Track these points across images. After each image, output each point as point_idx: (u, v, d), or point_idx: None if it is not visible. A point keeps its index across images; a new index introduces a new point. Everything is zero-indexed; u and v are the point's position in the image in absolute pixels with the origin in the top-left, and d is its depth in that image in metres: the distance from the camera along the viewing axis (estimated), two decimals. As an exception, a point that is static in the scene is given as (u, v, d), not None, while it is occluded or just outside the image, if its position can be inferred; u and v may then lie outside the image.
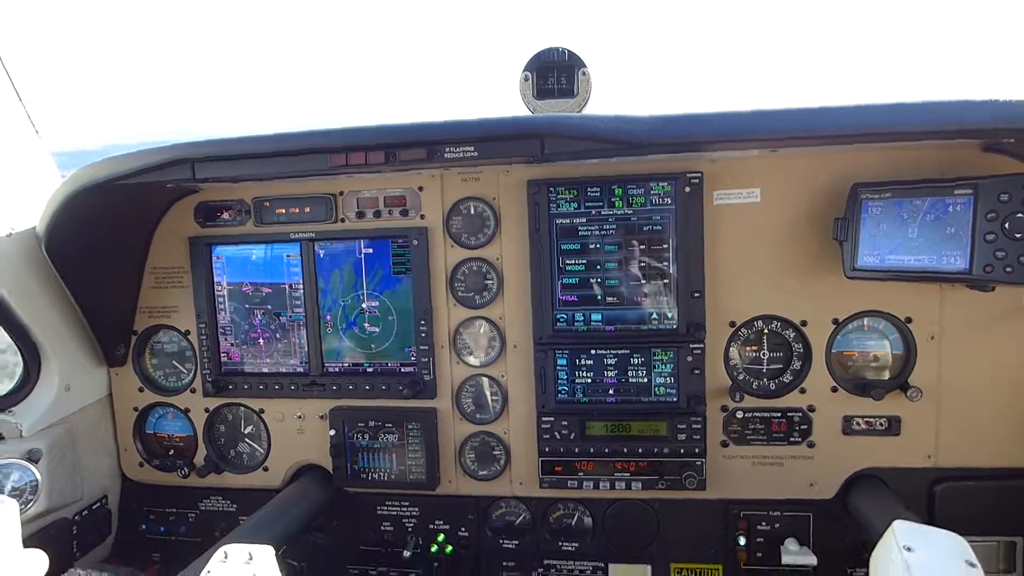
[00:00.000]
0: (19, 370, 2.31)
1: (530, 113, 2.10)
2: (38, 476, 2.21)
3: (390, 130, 1.88)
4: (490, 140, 1.84)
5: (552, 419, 2.23)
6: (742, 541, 2.25)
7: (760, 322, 2.19)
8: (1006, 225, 1.76)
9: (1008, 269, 1.76)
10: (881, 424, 2.15)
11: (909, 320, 2.11)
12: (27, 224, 2.19)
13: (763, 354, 2.21)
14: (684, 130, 1.77)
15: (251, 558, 1.63)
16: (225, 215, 2.40)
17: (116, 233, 2.35)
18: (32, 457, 2.20)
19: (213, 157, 1.98)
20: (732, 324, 2.19)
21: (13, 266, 2.15)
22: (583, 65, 2.03)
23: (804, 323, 2.16)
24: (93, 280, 2.34)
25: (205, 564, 1.60)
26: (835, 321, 2.14)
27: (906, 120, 1.69)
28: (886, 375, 2.18)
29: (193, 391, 2.51)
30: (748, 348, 2.21)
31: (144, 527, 2.63)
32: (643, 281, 2.17)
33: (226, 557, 1.62)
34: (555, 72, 2.05)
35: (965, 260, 1.82)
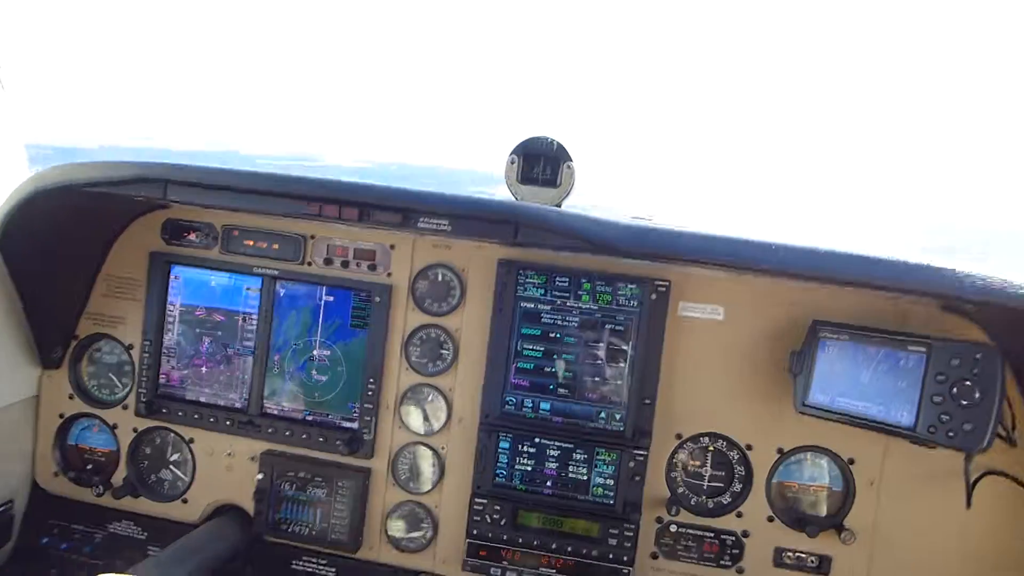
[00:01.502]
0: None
1: (511, 194, 2.11)
2: (-60, 475, 2.09)
3: (368, 190, 1.87)
4: (465, 218, 1.84)
5: (486, 501, 2.17)
6: None
7: (707, 438, 2.18)
8: (954, 390, 1.78)
9: (951, 434, 1.78)
10: (812, 562, 2.13)
11: (852, 461, 2.11)
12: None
13: (705, 471, 2.19)
14: (653, 243, 1.79)
15: None
16: (192, 236, 2.36)
17: (76, 236, 2.29)
18: (-63, 455, 2.09)
19: (187, 182, 1.95)
20: (679, 436, 2.18)
21: None
22: (569, 159, 2.05)
23: (749, 447, 2.15)
24: (43, 278, 2.26)
25: None
26: (780, 451, 2.14)
27: (867, 274, 1.73)
28: (823, 511, 2.16)
29: (125, 407, 2.42)
30: (691, 463, 2.20)
31: (46, 540, 2.49)
32: (598, 378, 2.15)
33: None
34: (541, 161, 2.07)
35: (912, 416, 1.84)
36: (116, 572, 1.66)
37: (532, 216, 1.80)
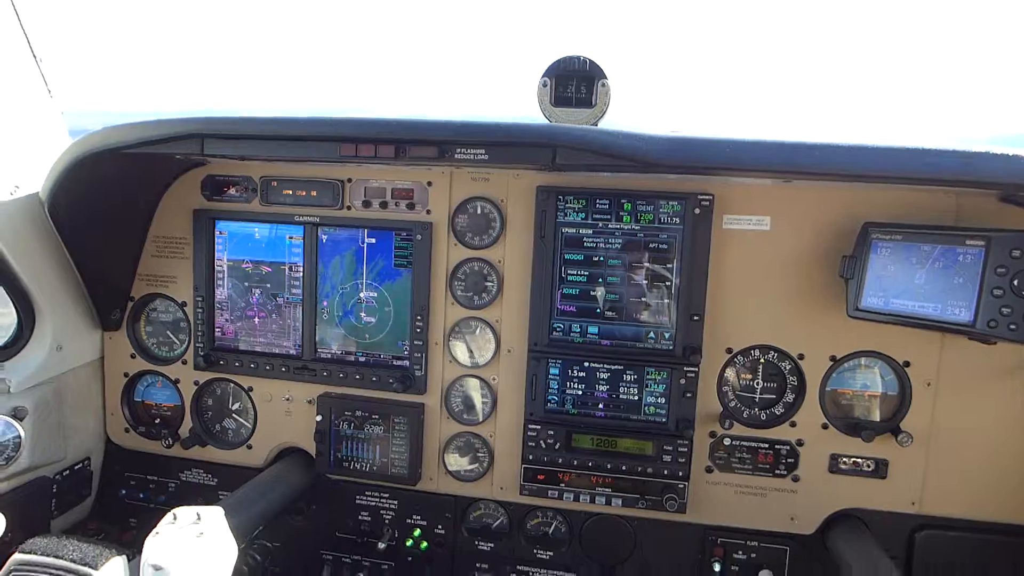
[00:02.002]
0: (13, 326, 2.32)
1: (545, 119, 2.08)
2: (22, 433, 2.21)
3: (402, 125, 1.86)
4: (502, 145, 1.82)
5: (539, 427, 2.22)
6: (717, 568, 2.24)
7: (757, 351, 2.17)
8: (1015, 282, 1.73)
9: (1012, 326, 1.74)
10: (868, 466, 2.13)
11: (907, 364, 2.09)
12: (33, 185, 2.18)
13: (757, 383, 2.19)
14: (696, 154, 1.74)
15: (199, 518, 1.64)
16: (232, 190, 2.39)
17: (121, 199, 2.34)
18: (18, 415, 2.20)
19: (223, 135, 1.96)
20: (729, 350, 2.17)
21: (15, 225, 2.14)
22: (603, 76, 2.00)
23: (801, 356, 2.14)
24: (94, 245, 2.33)
25: None
26: (832, 358, 2.12)
27: (920, 166, 1.66)
28: (878, 416, 2.16)
29: (184, 363, 2.51)
30: (743, 376, 2.20)
31: (124, 492, 2.63)
32: (644, 299, 2.15)
33: (175, 519, 1.64)
34: (575, 81, 2.02)
35: (970, 312, 1.80)
36: None
37: (570, 137, 1.77)
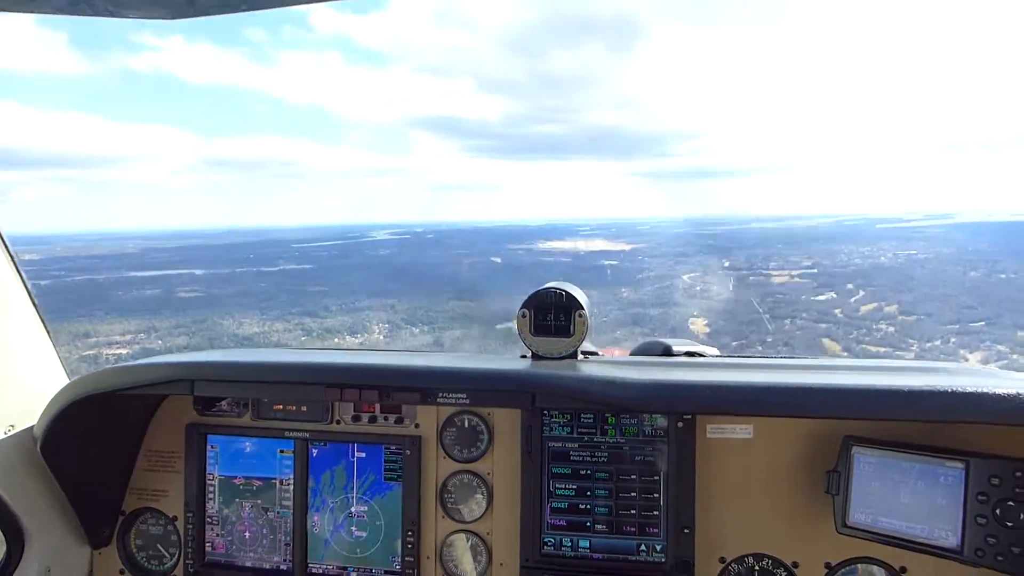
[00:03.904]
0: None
1: (525, 347, 2.15)
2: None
3: (387, 372, 1.92)
4: (483, 391, 1.88)
5: None
6: None
7: (751, 559, 2.15)
8: (997, 511, 1.75)
9: (1000, 557, 1.74)
10: None
11: (904, 570, 2.07)
12: (26, 422, 2.22)
13: None
14: (671, 401, 1.80)
15: None
16: (223, 405, 2.43)
17: (114, 422, 2.37)
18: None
19: (212, 379, 2.02)
20: (722, 560, 2.15)
21: (9, 463, 2.16)
22: (580, 307, 2.08)
23: (796, 564, 2.12)
24: (87, 472, 2.34)
25: None
26: (828, 565, 2.10)
27: (900, 409, 1.72)
28: None
29: None
30: None
31: None
32: (633, 511, 2.15)
33: None
34: (553, 311, 2.10)
35: (957, 537, 1.80)
36: None
37: (548, 384, 1.83)
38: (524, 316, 2.11)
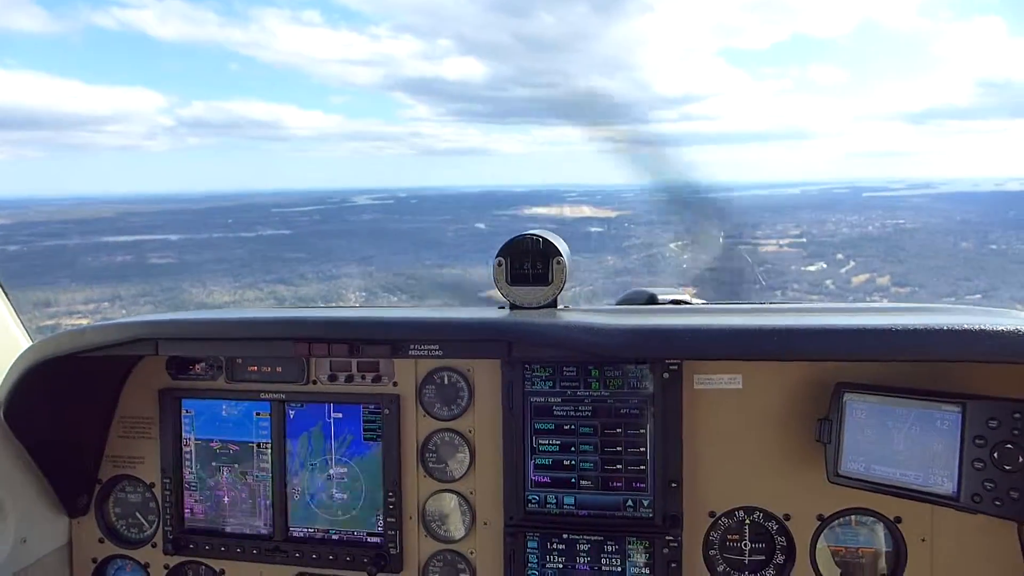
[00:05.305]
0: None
1: (502, 297, 2.06)
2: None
3: (356, 323, 1.85)
4: (457, 341, 1.80)
5: None
6: None
7: (741, 512, 2.09)
8: (995, 455, 1.67)
9: (997, 502, 1.67)
10: None
11: (899, 520, 2.00)
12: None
13: (744, 546, 2.10)
14: (653, 345, 1.72)
15: None
16: (197, 368, 2.36)
17: (83, 387, 2.30)
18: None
19: (177, 337, 1.94)
20: (712, 514, 2.09)
21: None
22: (559, 254, 1.99)
23: (787, 517, 2.06)
24: (56, 439, 2.28)
25: None
26: (820, 517, 2.04)
27: (890, 348, 1.63)
28: (876, 574, 2.05)
29: (154, 545, 2.42)
30: (729, 539, 2.11)
31: None
32: (619, 466, 2.08)
33: None
34: (530, 258, 2.01)
35: (953, 483, 1.73)
36: None
37: (525, 331, 1.75)
38: (500, 264, 2.02)
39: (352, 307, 2.33)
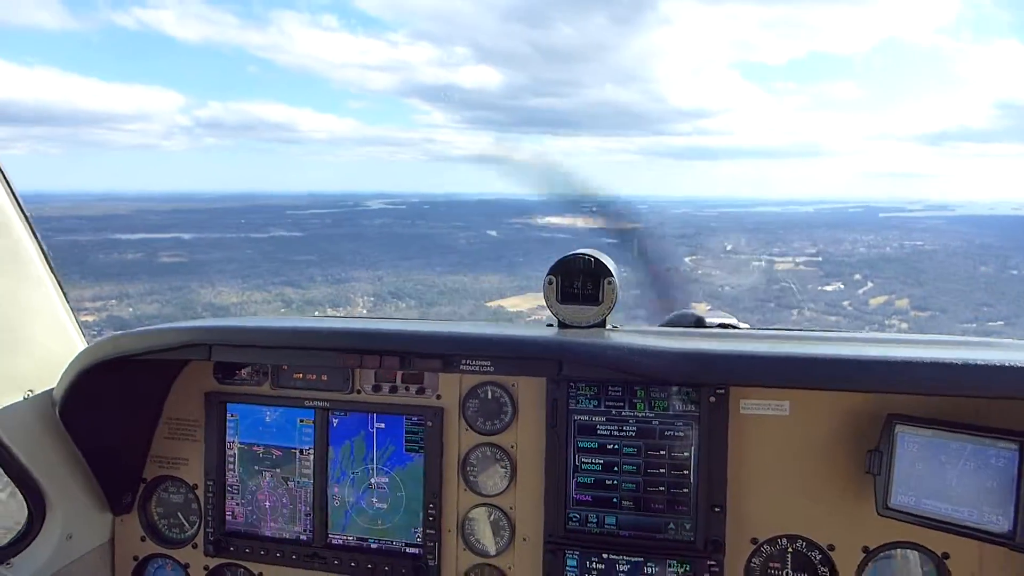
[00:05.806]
0: (23, 521, 2.29)
1: (551, 315, 2.06)
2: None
3: (407, 337, 1.86)
4: (508, 358, 1.81)
5: None
6: None
7: (784, 540, 2.07)
8: (1054, 494, 1.64)
9: (1056, 543, 1.64)
10: None
11: (946, 556, 1.97)
12: (44, 387, 2.21)
13: (787, 574, 2.08)
14: (705, 371, 1.71)
15: None
16: (242, 373, 2.39)
17: (133, 389, 2.34)
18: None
19: (229, 344, 1.97)
20: (754, 540, 2.08)
21: (28, 428, 2.15)
22: (610, 274, 1.99)
23: (831, 547, 2.03)
24: (106, 438, 2.33)
25: None
26: (865, 549, 2.01)
27: (953, 382, 1.61)
28: None
29: (195, 547, 2.45)
30: (771, 566, 2.09)
31: None
32: (662, 488, 2.08)
33: None
34: (580, 278, 2.02)
35: (1008, 521, 1.71)
36: None
37: (576, 351, 1.75)
38: (551, 283, 2.03)
39: (398, 319, 2.35)
